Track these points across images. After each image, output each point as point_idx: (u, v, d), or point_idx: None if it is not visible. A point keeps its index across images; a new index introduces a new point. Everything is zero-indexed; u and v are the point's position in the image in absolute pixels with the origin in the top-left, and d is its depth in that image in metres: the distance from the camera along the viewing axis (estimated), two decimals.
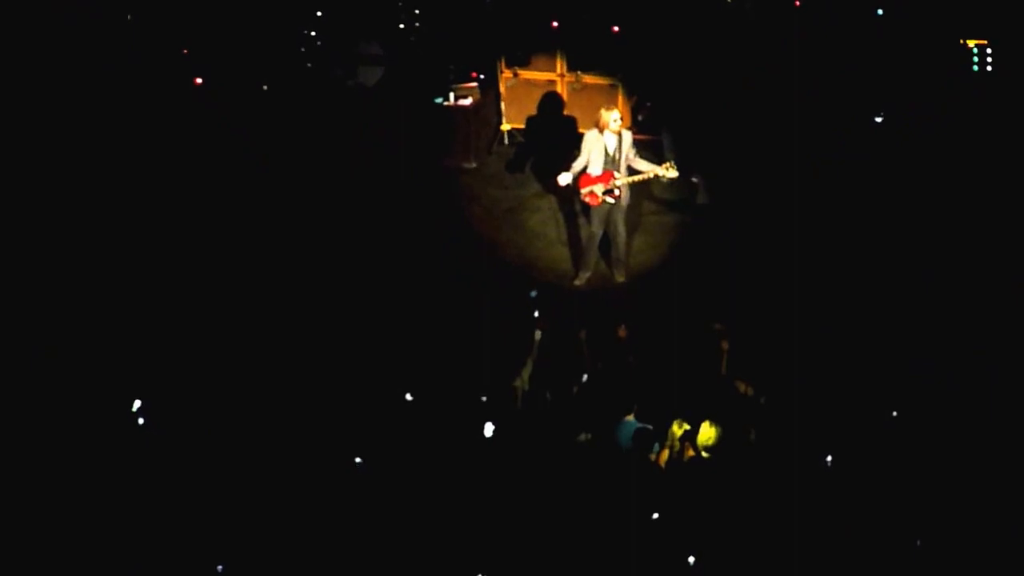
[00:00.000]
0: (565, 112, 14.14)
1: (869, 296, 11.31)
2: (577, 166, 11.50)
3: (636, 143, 11.72)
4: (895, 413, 9.54)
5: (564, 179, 11.61)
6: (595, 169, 11.43)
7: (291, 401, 9.72)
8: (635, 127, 13.56)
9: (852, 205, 12.35)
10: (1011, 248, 11.59)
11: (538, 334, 10.25)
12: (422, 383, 10.03)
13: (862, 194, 12.48)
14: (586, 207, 11.76)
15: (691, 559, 8.35)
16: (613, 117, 11.33)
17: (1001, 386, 9.87)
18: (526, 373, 10.05)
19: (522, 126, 14.47)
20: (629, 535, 8.40)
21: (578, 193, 11.67)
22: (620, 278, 12.01)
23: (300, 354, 10.52)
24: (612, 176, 11.38)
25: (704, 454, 8.80)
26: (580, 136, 11.99)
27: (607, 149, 11.39)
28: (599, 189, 11.44)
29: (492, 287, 11.77)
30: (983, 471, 8.98)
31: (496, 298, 11.49)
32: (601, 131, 11.39)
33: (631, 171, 11.45)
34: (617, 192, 11.45)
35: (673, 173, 11.47)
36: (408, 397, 9.88)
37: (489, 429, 9.33)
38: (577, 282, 12.04)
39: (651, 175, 11.45)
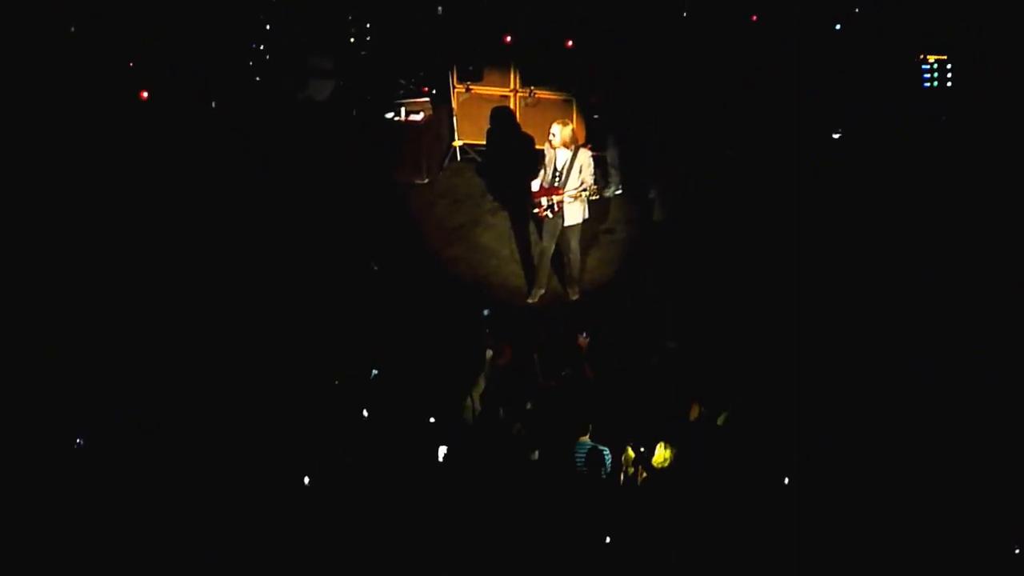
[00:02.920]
0: (519, 127, 14.02)
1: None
2: (540, 176, 11.41)
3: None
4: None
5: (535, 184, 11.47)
6: (544, 183, 11.31)
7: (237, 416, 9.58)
8: (590, 143, 13.48)
9: (815, 214, 12.26)
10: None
11: (489, 353, 10.08)
12: (374, 402, 9.86)
13: (824, 204, 12.41)
14: (539, 223, 11.62)
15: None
16: (551, 132, 11.21)
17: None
18: (477, 392, 9.88)
19: (475, 141, 14.35)
20: (585, 554, 8.31)
21: (529, 206, 11.55)
22: (573, 296, 11.88)
23: (248, 373, 10.33)
24: (556, 191, 11.25)
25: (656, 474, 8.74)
26: (535, 152, 11.88)
27: (556, 164, 11.27)
28: (544, 202, 11.33)
29: (444, 304, 11.62)
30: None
31: (448, 316, 11.37)
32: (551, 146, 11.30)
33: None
34: (557, 207, 11.30)
35: (592, 196, 11.35)
36: (364, 413, 9.75)
37: (441, 452, 9.20)
38: (530, 300, 11.90)
39: (579, 194, 11.28)
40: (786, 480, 8.83)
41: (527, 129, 13.92)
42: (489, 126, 14.16)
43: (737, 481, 8.93)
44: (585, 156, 11.35)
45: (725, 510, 8.70)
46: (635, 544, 8.56)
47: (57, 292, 11.30)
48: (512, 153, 13.81)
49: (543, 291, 11.89)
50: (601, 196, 11.64)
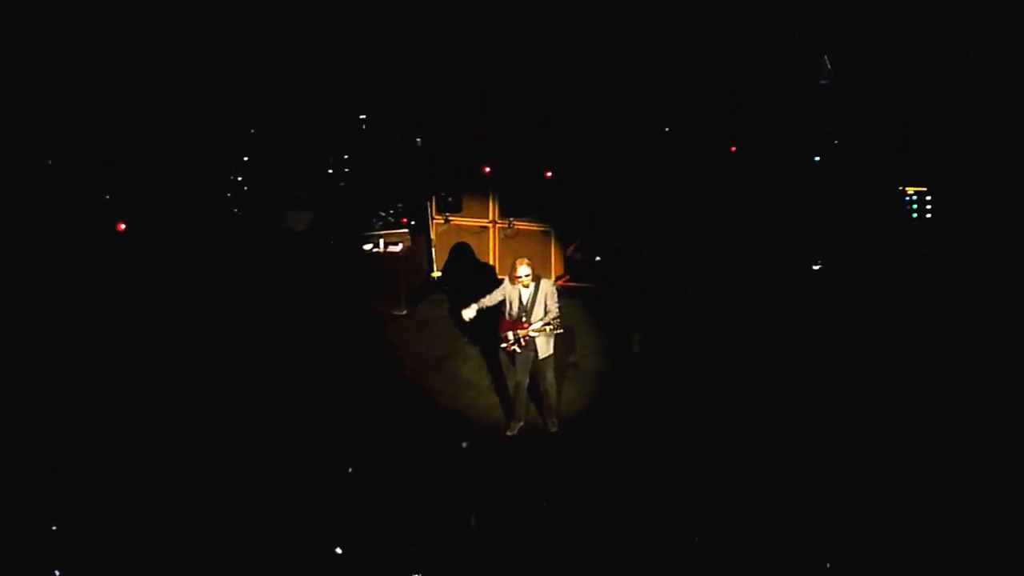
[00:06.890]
0: (498, 258, 14.00)
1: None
2: (484, 302, 11.49)
3: (565, 291, 11.54)
4: None
5: (467, 313, 11.55)
6: (509, 317, 11.28)
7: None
8: (568, 274, 13.44)
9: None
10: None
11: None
12: (352, 535, 9.79)
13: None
14: (512, 356, 11.48)
15: None
16: (520, 272, 11.18)
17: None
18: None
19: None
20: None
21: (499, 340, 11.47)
22: (552, 428, 11.71)
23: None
24: (521, 326, 11.19)
25: None
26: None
27: (521, 298, 11.23)
28: (511, 336, 11.26)
29: (422, 437, 11.47)
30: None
31: (426, 448, 11.24)
32: (512, 283, 11.24)
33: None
34: (524, 342, 11.22)
35: (556, 330, 11.28)
36: (338, 551, 9.69)
37: None
38: (509, 432, 11.71)
39: (546, 330, 11.21)
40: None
41: (506, 260, 13.88)
42: (468, 257, 14.12)
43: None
44: (548, 287, 11.34)
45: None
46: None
47: None
48: (489, 284, 13.75)
49: (522, 423, 11.72)
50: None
